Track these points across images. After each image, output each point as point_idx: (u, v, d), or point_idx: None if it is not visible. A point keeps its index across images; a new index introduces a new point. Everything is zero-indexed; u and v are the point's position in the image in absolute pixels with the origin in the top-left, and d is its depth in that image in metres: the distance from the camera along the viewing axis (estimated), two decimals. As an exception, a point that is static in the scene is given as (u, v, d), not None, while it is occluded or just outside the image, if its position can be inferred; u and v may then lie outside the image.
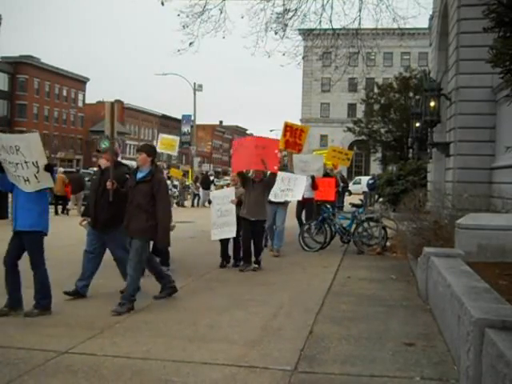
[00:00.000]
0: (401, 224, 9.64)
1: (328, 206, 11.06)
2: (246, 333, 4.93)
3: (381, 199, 20.67)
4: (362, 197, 18.72)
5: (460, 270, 5.13)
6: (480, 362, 3.22)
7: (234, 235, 8.40)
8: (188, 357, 4.26)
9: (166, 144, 16.04)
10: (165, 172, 13.47)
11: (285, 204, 10.00)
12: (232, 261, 8.70)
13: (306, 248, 10.44)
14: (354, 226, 10.61)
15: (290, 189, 9.89)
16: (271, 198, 9.35)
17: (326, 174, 15.05)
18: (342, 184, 17.59)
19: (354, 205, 11.24)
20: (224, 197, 8.66)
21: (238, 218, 8.42)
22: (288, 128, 11.88)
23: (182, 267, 8.27)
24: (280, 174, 9.53)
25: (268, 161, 8.50)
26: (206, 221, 10.06)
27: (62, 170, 22.45)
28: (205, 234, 10.39)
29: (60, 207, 19.69)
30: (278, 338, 4.77)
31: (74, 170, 32.18)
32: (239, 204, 8.51)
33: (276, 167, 8.76)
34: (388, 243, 10.30)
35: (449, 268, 5.21)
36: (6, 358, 4.19)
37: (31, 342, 4.59)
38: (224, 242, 8.66)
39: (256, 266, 8.33)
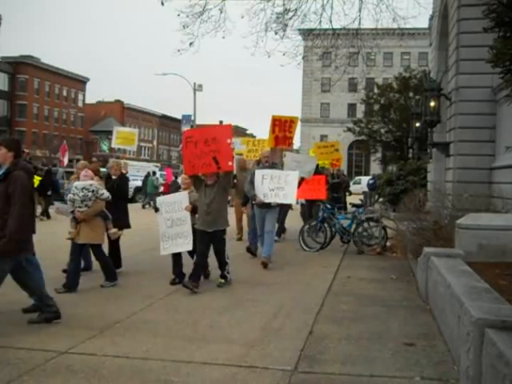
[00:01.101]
0: (401, 224, 9.65)
1: (328, 206, 11.06)
2: (246, 333, 4.93)
3: (381, 199, 20.68)
4: (361, 197, 18.73)
5: (460, 270, 5.13)
6: (480, 362, 3.22)
7: (191, 248, 7.13)
8: (188, 357, 4.26)
9: (123, 138, 15.07)
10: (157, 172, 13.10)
11: (275, 207, 8.87)
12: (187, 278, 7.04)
13: (305, 248, 10.44)
14: (353, 225, 10.61)
15: (281, 187, 8.61)
16: (262, 198, 8.53)
17: (337, 177, 15.20)
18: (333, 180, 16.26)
19: (354, 205, 11.24)
20: (175, 203, 7.34)
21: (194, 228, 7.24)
22: (276, 122, 10.70)
23: (183, 267, 8.25)
24: (268, 172, 8.72)
25: (220, 157, 6.96)
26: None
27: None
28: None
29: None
30: (278, 338, 4.77)
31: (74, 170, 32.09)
32: (194, 211, 7.31)
33: (230, 163, 7.09)
34: (388, 243, 10.30)
35: (449, 268, 5.21)
36: (6, 358, 4.19)
37: (31, 342, 4.60)
38: (176, 255, 7.40)
39: (222, 280, 7.13)
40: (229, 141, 6.96)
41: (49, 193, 17.31)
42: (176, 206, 7.28)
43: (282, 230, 11.88)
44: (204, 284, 7.25)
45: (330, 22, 13.47)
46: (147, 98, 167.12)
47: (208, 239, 7.02)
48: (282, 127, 10.67)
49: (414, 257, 8.08)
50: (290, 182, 8.65)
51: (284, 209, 11.42)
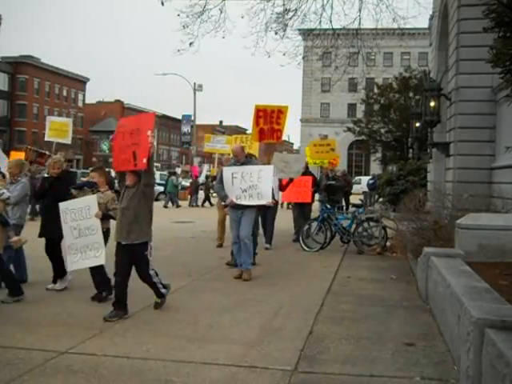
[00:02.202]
0: (401, 224, 9.64)
1: (328, 206, 11.06)
2: (246, 333, 4.93)
3: (381, 199, 20.67)
4: (361, 197, 18.71)
5: (460, 270, 5.13)
6: (480, 362, 3.22)
7: (103, 261, 6.05)
8: (188, 357, 4.26)
9: (56, 130, 14.12)
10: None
11: (252, 208, 7.71)
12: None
13: (305, 248, 10.43)
14: (353, 225, 10.61)
15: (254, 185, 7.47)
16: (234, 200, 7.51)
17: (332, 179, 13.96)
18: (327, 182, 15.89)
19: (354, 205, 11.24)
20: (82, 209, 6.15)
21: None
22: (260, 113, 9.20)
23: (182, 267, 8.27)
24: (237, 170, 7.62)
25: (138, 152, 5.55)
26: (205, 221, 10.08)
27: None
28: (205, 233, 10.41)
29: None
30: (278, 338, 4.77)
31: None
32: (106, 217, 6.25)
33: (145, 160, 5.48)
34: (388, 243, 10.30)
35: (449, 268, 5.21)
36: (6, 358, 4.19)
37: (31, 342, 4.59)
38: (94, 268, 6.20)
39: (158, 300, 5.83)
40: (149, 133, 5.57)
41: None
42: (83, 212, 6.14)
43: (271, 234, 10.78)
44: (204, 284, 7.25)
45: (330, 22, 13.51)
46: (147, 98, 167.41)
47: (124, 253, 5.63)
48: (267, 118, 9.26)
49: (414, 257, 8.08)
50: (264, 178, 7.51)
51: (270, 209, 10.14)
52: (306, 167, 13.55)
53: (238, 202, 7.51)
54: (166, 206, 23.67)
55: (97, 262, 6.03)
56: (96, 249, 5.98)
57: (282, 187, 10.83)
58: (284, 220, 12.41)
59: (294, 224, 12.10)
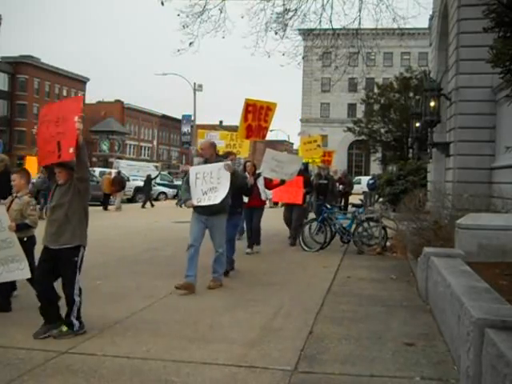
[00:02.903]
0: (401, 224, 9.64)
1: (328, 206, 11.06)
2: (246, 333, 4.93)
3: (381, 199, 20.67)
4: (361, 197, 18.72)
5: (460, 270, 5.13)
6: (480, 362, 3.22)
7: (28, 275, 5.26)
8: (188, 357, 4.26)
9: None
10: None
11: (221, 214, 6.97)
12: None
13: (305, 248, 10.43)
14: (353, 225, 10.61)
15: (214, 187, 6.82)
16: (195, 202, 6.82)
17: (324, 178, 13.54)
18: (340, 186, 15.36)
19: (354, 205, 11.24)
20: None
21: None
22: (250, 108, 8.45)
23: (183, 267, 8.26)
24: (201, 169, 6.96)
25: (63, 142, 4.80)
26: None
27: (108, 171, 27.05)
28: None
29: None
30: (278, 338, 4.77)
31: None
32: (21, 228, 5.44)
33: (72, 150, 4.70)
34: (388, 243, 10.30)
35: (449, 268, 5.21)
36: (6, 358, 4.19)
37: (31, 342, 4.59)
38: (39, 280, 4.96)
39: (64, 329, 4.76)
40: (76, 118, 4.77)
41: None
42: None
43: (258, 237, 10.05)
44: (204, 284, 7.25)
45: (330, 21, 13.52)
46: (147, 98, 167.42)
47: (50, 259, 4.89)
48: (256, 115, 8.53)
49: (414, 257, 8.08)
50: (223, 179, 6.83)
51: (257, 210, 9.88)
52: (306, 168, 13.34)
53: (199, 204, 6.82)
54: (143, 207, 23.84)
55: (22, 276, 5.35)
56: (18, 261, 5.23)
57: (270, 185, 10.19)
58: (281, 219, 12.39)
59: (288, 227, 11.49)
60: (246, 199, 8.83)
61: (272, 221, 12.26)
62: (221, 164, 6.88)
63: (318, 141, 15.21)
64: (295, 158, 11.48)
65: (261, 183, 9.82)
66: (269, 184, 10.18)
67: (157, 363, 4.13)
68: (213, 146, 7.19)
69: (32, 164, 19.16)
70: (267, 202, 10.33)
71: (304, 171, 12.79)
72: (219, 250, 7.01)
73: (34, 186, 18.89)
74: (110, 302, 6.01)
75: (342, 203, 18.86)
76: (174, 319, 5.39)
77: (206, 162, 7.01)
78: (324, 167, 14.34)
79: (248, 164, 9.16)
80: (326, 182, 13.21)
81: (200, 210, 6.85)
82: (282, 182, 9.93)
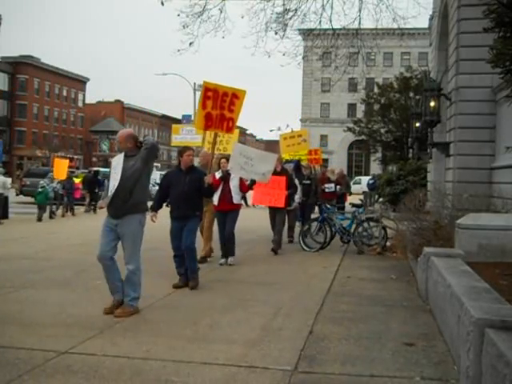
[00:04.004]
0: (401, 224, 9.64)
1: (328, 206, 11.06)
2: (246, 333, 4.92)
3: (381, 199, 20.68)
4: (361, 197, 18.73)
5: (460, 270, 5.13)
6: (480, 362, 3.22)
7: None
8: (188, 357, 4.26)
9: None
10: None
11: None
12: None
13: (305, 248, 10.43)
14: (353, 225, 10.61)
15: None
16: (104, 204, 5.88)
17: (313, 179, 12.70)
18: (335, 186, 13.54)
19: (354, 205, 11.24)
20: None
21: None
22: (209, 93, 7.31)
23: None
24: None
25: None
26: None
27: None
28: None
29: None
30: (278, 338, 4.77)
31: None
32: None
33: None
34: (388, 243, 10.29)
35: (449, 268, 5.21)
36: (6, 358, 4.19)
37: (31, 342, 4.59)
38: None
39: None
40: None
41: (96, 190, 20.61)
42: None
43: (233, 246, 8.87)
44: (204, 284, 7.25)
45: (330, 21, 13.53)
46: (147, 98, 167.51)
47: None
48: (218, 102, 7.39)
49: (414, 257, 8.08)
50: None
51: (231, 214, 8.74)
52: (298, 168, 12.54)
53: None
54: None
55: None
56: None
57: (245, 187, 8.87)
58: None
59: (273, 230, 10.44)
60: (215, 201, 8.45)
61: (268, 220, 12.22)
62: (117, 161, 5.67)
63: (304, 135, 13.74)
64: (268, 155, 9.81)
65: (234, 184, 8.63)
66: (244, 186, 8.84)
67: (157, 363, 4.13)
68: (130, 137, 5.69)
69: (60, 166, 19.74)
70: (243, 205, 9.05)
71: (296, 171, 12.23)
72: (129, 266, 5.57)
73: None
74: (109, 302, 6.01)
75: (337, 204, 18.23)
76: (174, 319, 5.39)
77: (126, 155, 5.60)
78: (306, 166, 13.37)
79: (223, 161, 8.66)
80: (308, 182, 12.48)
81: (109, 212, 5.67)
82: (252, 183, 8.83)
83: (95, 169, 27.62)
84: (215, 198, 8.49)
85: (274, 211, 10.37)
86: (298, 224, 12.32)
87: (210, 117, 7.36)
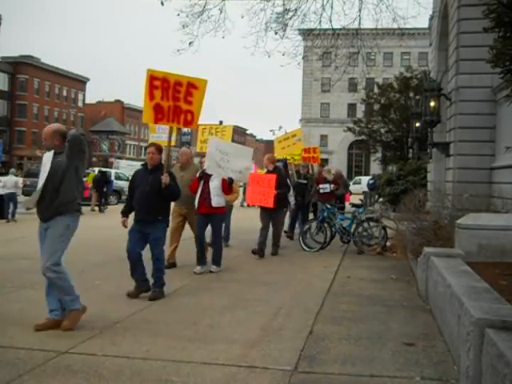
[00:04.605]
0: (401, 224, 9.64)
1: (328, 206, 11.05)
2: (246, 333, 4.92)
3: (381, 199, 20.68)
4: (361, 197, 18.73)
5: (460, 270, 5.13)
6: (480, 361, 3.22)
7: None
8: (188, 357, 4.26)
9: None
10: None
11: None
12: None
13: (305, 248, 10.44)
14: (353, 225, 10.61)
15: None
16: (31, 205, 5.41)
17: (309, 178, 12.40)
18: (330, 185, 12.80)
19: (354, 205, 11.24)
20: None
21: None
22: (156, 83, 6.57)
23: (183, 267, 8.27)
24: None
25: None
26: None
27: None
28: (205, 233, 10.38)
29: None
30: (278, 338, 4.77)
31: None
32: None
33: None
34: (388, 243, 10.30)
35: (449, 268, 5.21)
36: (6, 358, 4.19)
37: (31, 342, 4.59)
38: None
39: None
40: None
41: (104, 189, 21.56)
42: None
43: (219, 252, 8.22)
44: (204, 284, 7.25)
45: (330, 21, 13.54)
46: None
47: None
48: (170, 92, 6.62)
49: (414, 257, 8.08)
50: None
51: (216, 217, 8.04)
52: (285, 166, 12.07)
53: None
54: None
55: None
56: None
57: (226, 189, 8.03)
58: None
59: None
60: (196, 204, 7.85)
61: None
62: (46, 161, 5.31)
63: (298, 134, 13.20)
64: (244, 149, 8.90)
65: (214, 185, 7.84)
66: (226, 187, 7.95)
67: (157, 363, 4.13)
68: (57, 133, 5.23)
69: None
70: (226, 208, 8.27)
71: (282, 169, 11.57)
72: (47, 273, 4.96)
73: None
74: (110, 302, 6.01)
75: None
76: (174, 319, 5.39)
77: (55, 153, 5.18)
78: (304, 165, 12.93)
79: (203, 159, 8.21)
80: (305, 181, 12.15)
81: (38, 215, 5.14)
82: (230, 182, 7.97)
83: (104, 169, 27.83)
84: (196, 201, 7.87)
85: (268, 212, 9.53)
86: (296, 226, 12.16)
87: (159, 109, 6.62)
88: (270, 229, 9.90)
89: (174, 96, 6.65)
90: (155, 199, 6.25)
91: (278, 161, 13.42)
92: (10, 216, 16.43)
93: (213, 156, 7.77)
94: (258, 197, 9.45)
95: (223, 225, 9.98)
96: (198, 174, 7.96)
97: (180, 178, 7.77)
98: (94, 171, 26.68)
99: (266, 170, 10.19)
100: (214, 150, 7.81)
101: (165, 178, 6.20)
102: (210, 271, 7.89)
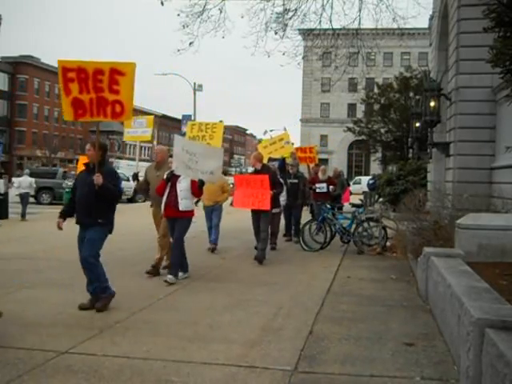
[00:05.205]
0: (401, 224, 9.64)
1: (328, 205, 11.05)
2: (246, 333, 4.92)
3: (381, 199, 20.67)
4: (361, 197, 18.71)
5: (460, 270, 5.13)
6: (480, 361, 3.22)
7: None
8: (188, 357, 4.26)
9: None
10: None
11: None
12: None
13: (306, 248, 10.43)
14: (353, 225, 10.61)
15: None
16: None
17: (300, 177, 11.92)
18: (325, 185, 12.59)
19: (354, 205, 11.24)
20: None
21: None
22: (70, 74, 5.91)
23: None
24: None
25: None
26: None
27: None
28: (205, 234, 10.40)
29: None
30: (278, 338, 4.77)
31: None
32: None
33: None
34: (388, 243, 10.29)
35: (449, 268, 5.21)
36: (6, 358, 4.19)
37: (31, 342, 4.59)
38: None
39: None
40: None
41: None
42: None
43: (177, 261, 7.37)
44: (204, 284, 7.25)
45: (330, 21, 13.51)
46: (147, 98, 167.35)
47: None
48: (89, 83, 5.93)
49: (414, 257, 8.07)
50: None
51: (180, 222, 7.34)
52: (283, 167, 11.91)
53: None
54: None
55: None
56: None
57: (196, 191, 7.51)
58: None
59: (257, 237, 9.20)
60: (162, 207, 7.32)
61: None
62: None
63: (285, 138, 12.84)
64: (214, 150, 8.49)
65: (182, 187, 7.29)
66: (195, 189, 7.46)
67: (157, 363, 4.13)
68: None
69: (81, 163, 19.96)
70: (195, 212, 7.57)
71: (281, 171, 11.62)
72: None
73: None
74: (110, 302, 6.01)
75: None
76: (174, 319, 5.39)
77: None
78: (294, 165, 12.46)
79: (170, 159, 7.75)
80: (296, 181, 11.73)
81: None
82: (201, 184, 7.47)
83: (137, 171, 27.63)
84: (162, 204, 7.32)
85: (257, 214, 8.99)
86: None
87: (79, 103, 5.94)
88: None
89: (96, 86, 5.90)
90: (94, 201, 5.70)
91: (275, 160, 13.34)
92: (22, 216, 16.91)
93: (180, 157, 7.27)
94: (249, 200, 8.80)
95: (214, 225, 10.06)
96: (165, 176, 7.33)
97: (155, 178, 7.64)
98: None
99: (253, 170, 9.75)
100: (180, 151, 7.31)
101: (96, 178, 5.61)
102: (165, 281, 7.01)
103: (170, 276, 7.08)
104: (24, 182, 17.72)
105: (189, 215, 7.34)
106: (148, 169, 8.30)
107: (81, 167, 23.06)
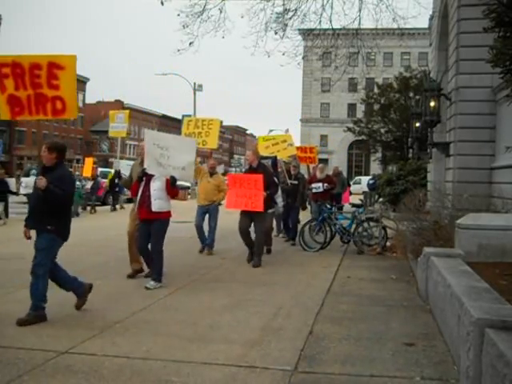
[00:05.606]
0: (401, 224, 9.64)
1: (328, 205, 11.05)
2: (246, 333, 4.92)
3: (381, 199, 20.67)
4: (361, 197, 18.71)
5: (460, 270, 5.13)
6: (480, 362, 3.22)
7: None
8: (188, 357, 4.26)
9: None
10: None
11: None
12: None
13: (306, 248, 10.43)
14: (353, 225, 10.61)
15: None
16: None
17: (300, 179, 11.78)
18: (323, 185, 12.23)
19: (354, 205, 11.24)
20: None
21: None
22: (5, 70, 5.63)
23: (182, 267, 8.27)
24: None
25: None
26: (206, 221, 10.09)
27: None
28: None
29: None
30: (278, 338, 4.77)
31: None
32: None
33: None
34: (388, 243, 10.29)
35: (449, 268, 5.21)
36: (6, 358, 4.19)
37: (31, 342, 4.59)
38: None
39: None
40: None
41: (117, 189, 21.70)
42: None
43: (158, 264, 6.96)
44: (204, 284, 7.25)
45: (330, 21, 13.52)
46: (147, 98, 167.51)
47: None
48: (24, 79, 5.65)
49: (414, 257, 8.07)
50: None
51: (155, 226, 6.89)
52: (274, 164, 11.30)
53: None
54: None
55: None
56: None
57: (171, 191, 7.00)
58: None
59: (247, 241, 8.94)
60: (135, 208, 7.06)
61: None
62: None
63: (288, 140, 12.41)
64: (186, 141, 8.02)
65: (156, 186, 6.87)
66: (168, 188, 6.97)
67: (157, 363, 4.13)
68: None
69: (88, 165, 20.93)
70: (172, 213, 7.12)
71: (267, 166, 10.68)
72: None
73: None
74: (110, 302, 6.02)
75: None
76: (173, 319, 5.39)
77: None
78: (295, 165, 12.25)
79: (142, 154, 7.22)
80: (296, 182, 11.51)
81: None
82: (173, 181, 6.91)
83: (118, 169, 27.83)
84: (136, 206, 7.01)
85: (249, 215, 8.63)
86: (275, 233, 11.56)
87: (15, 100, 5.61)
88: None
89: (33, 82, 5.56)
90: (43, 205, 5.29)
91: (266, 158, 13.00)
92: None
93: (152, 153, 6.78)
94: (242, 200, 8.46)
95: (210, 228, 9.83)
96: (137, 175, 7.01)
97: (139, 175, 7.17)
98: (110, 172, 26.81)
99: (247, 167, 9.51)
100: (151, 145, 6.81)
101: (38, 181, 5.18)
102: (146, 287, 6.69)
103: (152, 282, 6.80)
104: (31, 182, 17.71)
105: (164, 217, 6.90)
106: (133, 165, 8.04)
107: (88, 169, 23.09)
